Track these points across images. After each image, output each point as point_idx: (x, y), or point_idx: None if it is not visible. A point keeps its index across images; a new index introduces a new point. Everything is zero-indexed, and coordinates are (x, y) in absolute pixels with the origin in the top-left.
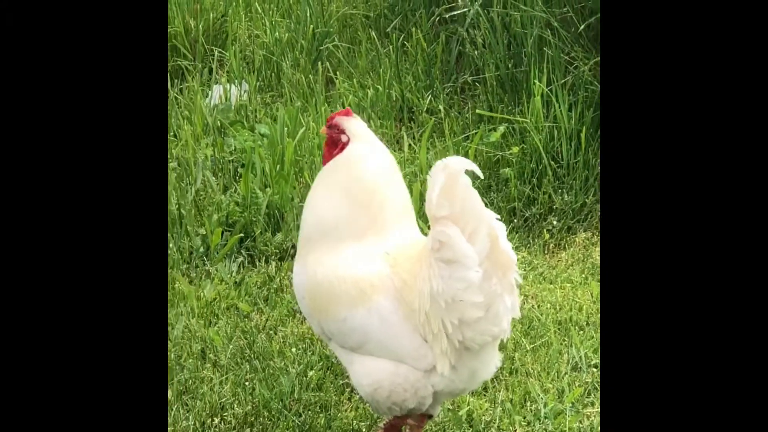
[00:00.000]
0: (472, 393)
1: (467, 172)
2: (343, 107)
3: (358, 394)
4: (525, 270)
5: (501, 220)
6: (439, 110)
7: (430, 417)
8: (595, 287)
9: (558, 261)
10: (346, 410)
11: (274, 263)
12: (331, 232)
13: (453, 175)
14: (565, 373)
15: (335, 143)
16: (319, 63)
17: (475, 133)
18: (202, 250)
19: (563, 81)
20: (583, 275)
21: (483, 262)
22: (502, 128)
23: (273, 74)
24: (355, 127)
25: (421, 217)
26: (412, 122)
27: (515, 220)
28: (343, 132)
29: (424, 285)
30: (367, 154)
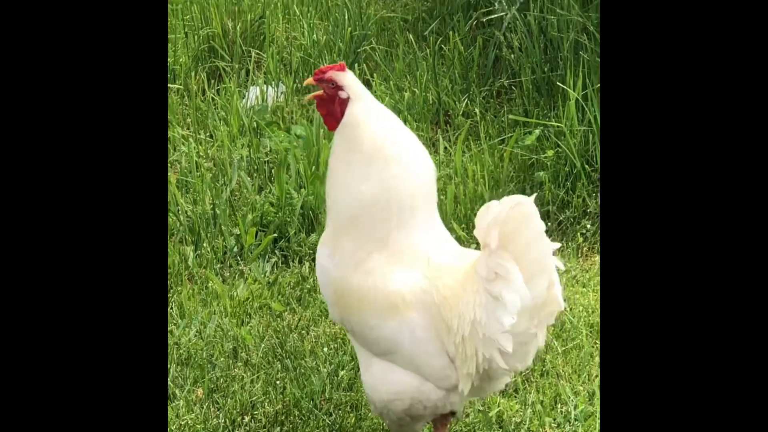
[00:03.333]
0: (503, 394)
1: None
2: None
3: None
4: (557, 273)
5: (560, 250)
6: (475, 113)
7: (453, 414)
8: None
9: (591, 264)
10: None
11: (307, 263)
12: (377, 214)
13: (527, 215)
14: (596, 376)
15: (331, 99)
16: (357, 65)
17: (511, 136)
18: (236, 249)
19: (598, 85)
20: None
21: (532, 312)
22: (537, 131)
23: (310, 76)
24: (353, 82)
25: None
26: (448, 125)
27: (549, 224)
28: (340, 88)
29: (467, 310)
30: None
